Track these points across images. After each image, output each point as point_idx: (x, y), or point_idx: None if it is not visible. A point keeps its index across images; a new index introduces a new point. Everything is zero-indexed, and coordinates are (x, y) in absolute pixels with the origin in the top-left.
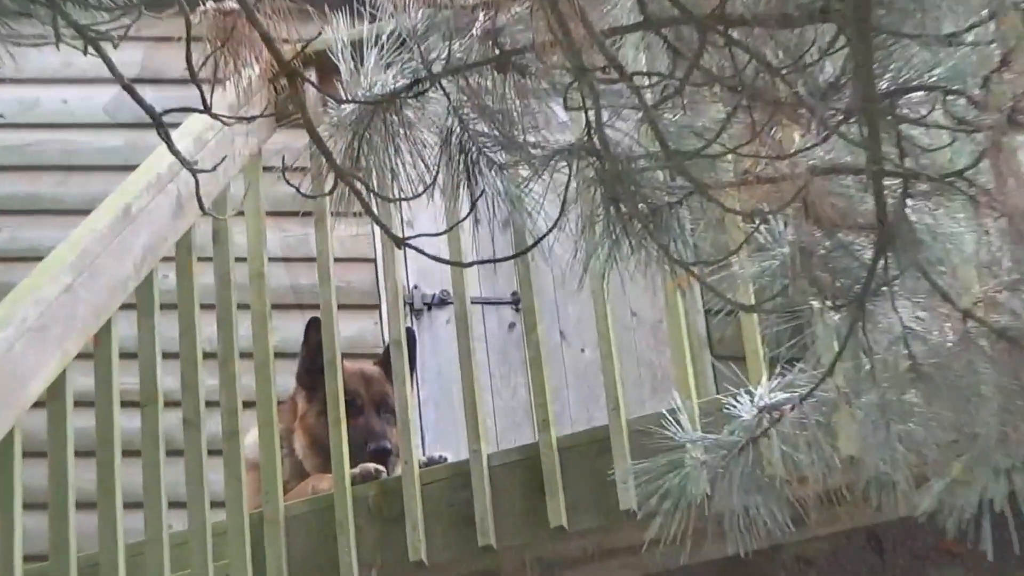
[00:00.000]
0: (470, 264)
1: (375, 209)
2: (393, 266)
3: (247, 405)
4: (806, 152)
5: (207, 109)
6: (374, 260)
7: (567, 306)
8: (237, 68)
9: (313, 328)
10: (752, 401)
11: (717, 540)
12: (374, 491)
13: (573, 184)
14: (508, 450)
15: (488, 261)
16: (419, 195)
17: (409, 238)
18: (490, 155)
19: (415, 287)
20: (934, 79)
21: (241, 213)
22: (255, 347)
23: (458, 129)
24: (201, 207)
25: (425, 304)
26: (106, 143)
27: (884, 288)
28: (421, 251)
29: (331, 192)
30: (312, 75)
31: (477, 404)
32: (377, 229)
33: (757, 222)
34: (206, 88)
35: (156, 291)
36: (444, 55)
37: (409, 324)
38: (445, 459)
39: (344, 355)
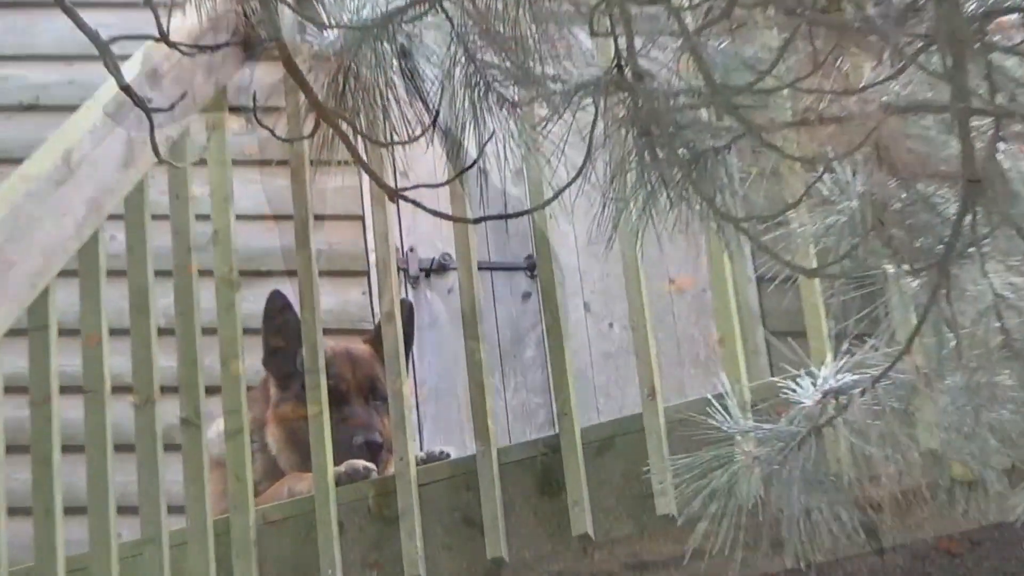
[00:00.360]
0: (477, 220)
1: (364, 155)
2: (385, 224)
3: (211, 391)
4: (878, 87)
5: (163, 37)
6: (361, 218)
7: (592, 273)
8: None
9: (275, 303)
10: (814, 384)
11: (772, 550)
12: (373, 491)
13: (600, 125)
14: (522, 444)
15: (499, 217)
16: (416, 139)
17: (404, 190)
18: (501, 91)
19: (411, 250)
20: None
21: (204, 162)
22: (220, 321)
23: (463, 60)
24: (156, 154)
25: (422, 270)
26: (40, 79)
27: (972, 249)
28: (419, 204)
29: (311, 135)
30: None
31: (485, 389)
32: (366, 180)
33: (820, 170)
34: (162, 12)
35: (102, 255)
36: None
37: (404, 294)
38: (447, 455)
39: (326, 331)
